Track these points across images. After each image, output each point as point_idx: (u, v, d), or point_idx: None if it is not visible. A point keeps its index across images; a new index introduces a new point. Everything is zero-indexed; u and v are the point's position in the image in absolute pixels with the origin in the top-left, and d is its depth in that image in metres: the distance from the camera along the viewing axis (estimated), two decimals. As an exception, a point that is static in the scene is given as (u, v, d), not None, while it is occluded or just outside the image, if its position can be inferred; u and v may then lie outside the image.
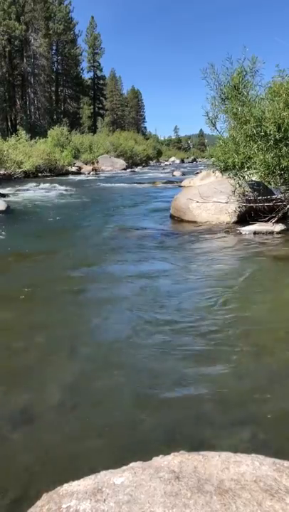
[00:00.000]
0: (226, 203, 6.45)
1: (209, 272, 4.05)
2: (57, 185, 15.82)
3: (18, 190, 13.84)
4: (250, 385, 2.06)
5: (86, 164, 28.54)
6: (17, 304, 3.28)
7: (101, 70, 52.38)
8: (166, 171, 30.05)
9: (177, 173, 24.34)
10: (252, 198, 6.41)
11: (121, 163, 31.56)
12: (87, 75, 50.27)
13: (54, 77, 42.95)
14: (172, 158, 58.00)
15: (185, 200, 7.09)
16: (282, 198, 6.26)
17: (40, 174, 22.00)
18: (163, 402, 1.92)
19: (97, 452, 1.60)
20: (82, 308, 3.23)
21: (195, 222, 6.73)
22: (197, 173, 16.02)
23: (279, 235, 5.62)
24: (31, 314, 3.09)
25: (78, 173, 25.49)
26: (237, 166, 6.16)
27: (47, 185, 15.67)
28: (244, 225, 6.00)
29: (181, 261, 4.49)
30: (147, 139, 58.28)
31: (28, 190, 13.97)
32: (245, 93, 6.01)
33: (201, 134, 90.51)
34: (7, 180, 18.58)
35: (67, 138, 27.95)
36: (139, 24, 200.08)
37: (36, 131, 30.26)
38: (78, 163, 27.57)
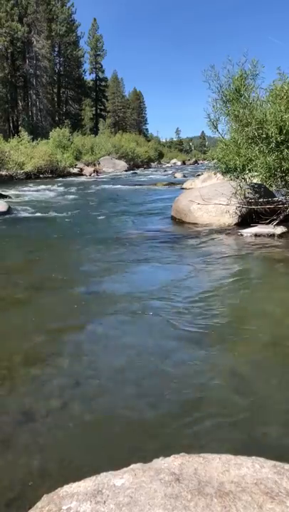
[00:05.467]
0: (227, 205, 6.45)
1: (210, 273, 4.05)
2: (58, 186, 15.86)
3: (20, 191, 13.87)
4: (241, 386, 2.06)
5: (88, 166, 28.58)
6: (17, 304, 3.29)
7: (103, 72, 52.61)
8: (167, 172, 30.08)
9: (178, 175, 24.35)
10: (253, 200, 6.41)
11: (122, 164, 31.61)
12: (89, 77, 50.53)
13: (56, 78, 43.07)
14: (174, 160, 58.07)
15: (186, 202, 7.10)
16: (284, 201, 6.26)
17: (41, 175, 22.06)
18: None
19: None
20: (83, 310, 3.23)
21: (196, 224, 6.73)
22: (198, 175, 16.02)
23: (280, 238, 5.61)
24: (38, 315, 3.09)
25: (80, 174, 25.53)
26: (238, 168, 6.16)
27: (48, 186, 15.70)
28: (245, 227, 6.00)
29: (182, 263, 4.49)
30: (149, 140, 58.37)
31: (29, 191, 13.99)
32: (247, 96, 6.01)
33: (203, 136, 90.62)
34: (9, 181, 18.63)
35: (68, 139, 28.01)
36: (141, 26, 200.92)
37: (38, 133, 30.34)
38: (80, 165, 27.62)
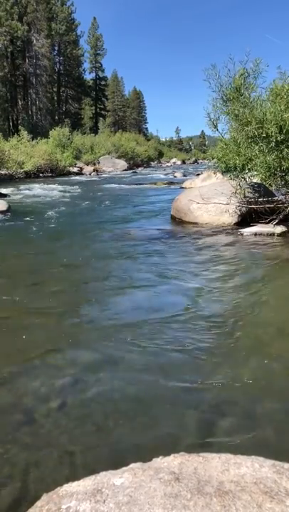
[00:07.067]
0: (227, 204, 6.45)
1: (211, 275, 4.05)
2: (58, 185, 15.85)
3: (20, 190, 13.87)
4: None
5: (87, 165, 28.60)
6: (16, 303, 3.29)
7: (103, 71, 52.61)
8: (167, 172, 30.06)
9: (178, 174, 24.32)
10: (253, 199, 6.40)
11: (122, 164, 31.62)
12: (89, 76, 50.53)
13: (56, 77, 43.07)
14: (173, 160, 58.06)
15: (186, 201, 7.09)
16: (284, 200, 6.26)
17: (41, 175, 22.08)
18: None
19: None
20: (79, 311, 3.23)
21: (196, 223, 6.73)
22: (198, 174, 16.02)
23: (280, 237, 5.61)
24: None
25: (79, 173, 25.56)
26: (238, 168, 6.16)
27: (48, 185, 15.70)
28: (245, 227, 6.00)
29: (182, 263, 4.49)
30: (149, 140, 58.38)
31: (29, 190, 13.98)
32: (247, 95, 6.01)
33: (203, 136, 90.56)
34: (8, 180, 18.62)
35: (68, 138, 28.02)
36: (141, 25, 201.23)
37: (38, 132, 30.34)
38: (80, 164, 27.65)
